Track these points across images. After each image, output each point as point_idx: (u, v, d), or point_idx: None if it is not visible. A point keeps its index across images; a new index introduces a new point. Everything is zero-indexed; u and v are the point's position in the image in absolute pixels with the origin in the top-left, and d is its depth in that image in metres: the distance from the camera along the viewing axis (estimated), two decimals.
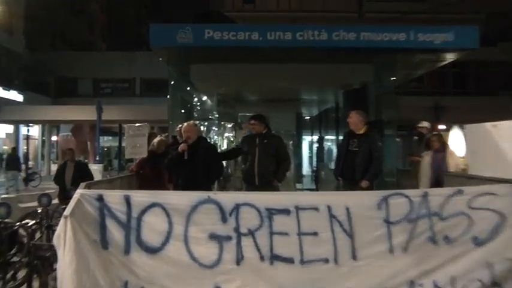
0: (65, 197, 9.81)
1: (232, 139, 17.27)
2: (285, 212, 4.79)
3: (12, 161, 21.37)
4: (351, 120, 7.41)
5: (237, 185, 11.37)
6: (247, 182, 7.65)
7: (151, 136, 9.22)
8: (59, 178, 10.85)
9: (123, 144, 10.24)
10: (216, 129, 17.43)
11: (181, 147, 7.15)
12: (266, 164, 7.42)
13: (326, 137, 21.19)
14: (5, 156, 31.25)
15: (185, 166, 7.17)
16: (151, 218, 4.78)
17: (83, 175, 9.98)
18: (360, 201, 4.88)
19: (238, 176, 10.13)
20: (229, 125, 18.05)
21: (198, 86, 13.73)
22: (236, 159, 10.61)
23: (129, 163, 13.58)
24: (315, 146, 21.93)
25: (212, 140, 16.13)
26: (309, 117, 22.37)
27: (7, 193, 18.35)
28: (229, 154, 9.24)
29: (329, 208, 4.79)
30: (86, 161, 30.28)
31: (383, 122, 11.75)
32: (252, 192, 5.84)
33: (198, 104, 15.93)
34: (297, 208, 4.79)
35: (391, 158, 11.54)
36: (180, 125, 8.38)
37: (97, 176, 17.05)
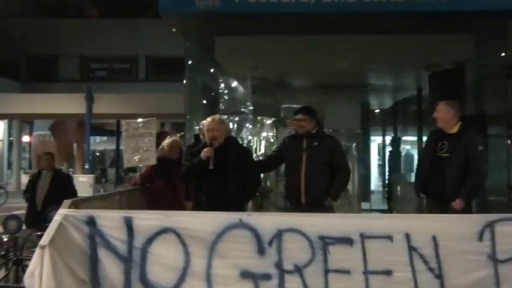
0: (35, 220, 9.90)
1: (272, 140, 17.31)
2: (346, 241, 4.81)
3: None
4: (438, 114, 7.29)
5: (279, 204, 11.46)
6: (291, 200, 7.72)
7: (161, 136, 9.23)
8: (29, 193, 10.89)
9: (122, 147, 9.86)
10: (251, 126, 17.35)
11: (205, 152, 7.13)
12: (316, 176, 7.47)
13: (403, 138, 21.08)
14: None
15: (210, 178, 7.17)
16: (161, 248, 4.86)
17: (62, 190, 10.08)
18: (453, 229, 4.85)
19: (281, 190, 10.17)
20: (269, 121, 17.98)
21: (226, 66, 13.78)
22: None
23: (131, 173, 13.63)
24: (388, 150, 21.87)
25: (245, 142, 16.07)
26: (379, 110, 22.30)
27: None
28: (272, 161, 8.73)
29: (408, 237, 4.79)
30: (71, 170, 30.78)
31: (486, 116, 11.51)
32: (301, 214, 5.73)
33: (226, 92, 15.78)
34: (363, 236, 4.81)
35: (498, 167, 11.21)
36: (203, 121, 8.30)
37: (86, 190, 17.28)
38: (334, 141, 7.94)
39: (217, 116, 7.75)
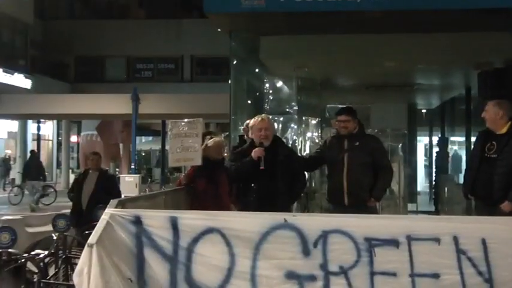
0: (79, 219, 9.99)
1: (317, 140, 17.15)
2: (393, 243, 4.76)
3: (35, 167, 23.01)
4: (487, 114, 7.19)
5: (323, 205, 11.41)
6: (333, 201, 7.77)
7: (206, 136, 9.00)
8: (75, 192, 10.95)
9: (168, 147, 10.01)
10: (295, 126, 17.34)
11: (256, 152, 7.22)
12: (358, 177, 7.48)
13: (451, 138, 20.86)
14: (11, 163, 32.80)
15: (260, 178, 7.28)
16: (206, 248, 4.87)
17: (107, 190, 10.17)
18: (503, 232, 4.76)
19: (326, 191, 10.07)
20: (314, 121, 17.97)
21: (271, 66, 13.82)
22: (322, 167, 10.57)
23: (177, 173, 13.64)
24: (435, 150, 21.67)
25: (289, 142, 16.04)
26: (426, 110, 22.10)
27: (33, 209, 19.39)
28: (314, 162, 8.83)
29: (456, 240, 4.71)
30: (117, 170, 31.13)
31: None
32: (346, 216, 5.63)
33: (271, 91, 15.84)
34: (410, 239, 4.74)
35: None
36: (248, 121, 8.44)
37: (133, 190, 17.46)
38: (375, 141, 7.96)
39: (266, 115, 7.80)
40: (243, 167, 7.38)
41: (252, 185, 7.34)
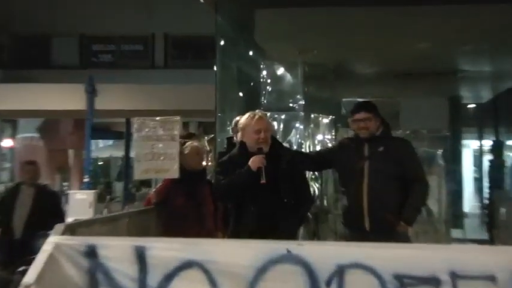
0: (12, 252, 9.97)
1: (330, 145, 17.02)
2: (432, 282, 4.74)
3: None
4: None
5: (338, 229, 11.42)
6: (351, 225, 7.76)
7: (185, 139, 9.11)
8: (2, 216, 10.86)
9: (134, 154, 9.75)
10: (301, 126, 17.23)
11: (256, 161, 7.09)
12: (383, 192, 7.43)
13: (508, 143, 20.88)
14: None
15: (260, 196, 7.16)
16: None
17: (49, 212, 10.23)
18: None
19: (339, 212, 10.04)
20: (326, 120, 17.48)
21: (269, 48, 13.89)
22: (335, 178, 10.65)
23: (145, 188, 13.53)
24: (487, 158, 21.68)
25: (294, 147, 15.88)
26: (474, 106, 22.12)
27: None
28: (323, 161, 8.53)
29: None
30: (66, 184, 30.97)
31: None
32: (368, 245, 5.46)
33: (269, 82, 15.64)
34: (455, 277, 4.72)
35: None
36: (237, 118, 8.37)
37: (86, 211, 17.28)
38: (406, 146, 7.87)
39: (262, 112, 7.76)
40: (237, 181, 7.20)
41: (250, 205, 7.18)
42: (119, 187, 32.58)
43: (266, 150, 7.22)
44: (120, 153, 31.83)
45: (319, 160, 8.38)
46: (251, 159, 7.11)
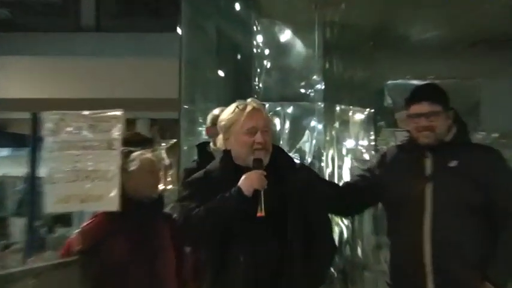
0: None
1: (368, 156, 14.23)
2: None
3: None
4: None
5: None
6: (403, 286, 6.07)
7: (129, 147, 7.28)
8: None
9: (44, 172, 8.06)
10: (319, 126, 14.19)
11: (253, 179, 5.36)
12: (455, 233, 5.74)
13: None
14: None
15: (252, 236, 5.46)
16: None
17: None
18: None
19: (384, 268, 7.57)
20: (360, 115, 14.81)
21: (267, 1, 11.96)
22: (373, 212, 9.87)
23: (62, 228, 12.61)
24: None
25: (307, 158, 13.33)
26: None
27: None
28: (354, 196, 6.61)
29: None
30: None
31: None
32: None
33: (267, 55, 13.52)
34: None
35: None
36: (216, 111, 7.48)
37: None
38: (491, 158, 6.00)
39: (258, 102, 5.89)
40: (219, 212, 5.41)
41: (238, 253, 5.43)
42: (18, 225, 28.69)
43: (266, 163, 5.59)
44: (21, 170, 28.82)
45: (354, 196, 6.48)
46: (244, 176, 5.44)
